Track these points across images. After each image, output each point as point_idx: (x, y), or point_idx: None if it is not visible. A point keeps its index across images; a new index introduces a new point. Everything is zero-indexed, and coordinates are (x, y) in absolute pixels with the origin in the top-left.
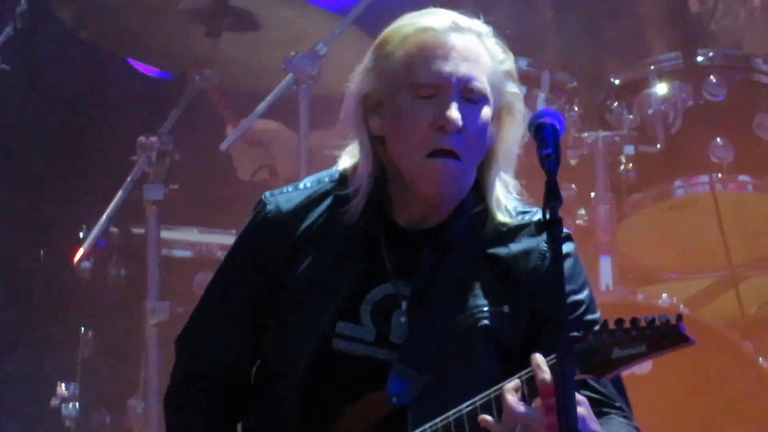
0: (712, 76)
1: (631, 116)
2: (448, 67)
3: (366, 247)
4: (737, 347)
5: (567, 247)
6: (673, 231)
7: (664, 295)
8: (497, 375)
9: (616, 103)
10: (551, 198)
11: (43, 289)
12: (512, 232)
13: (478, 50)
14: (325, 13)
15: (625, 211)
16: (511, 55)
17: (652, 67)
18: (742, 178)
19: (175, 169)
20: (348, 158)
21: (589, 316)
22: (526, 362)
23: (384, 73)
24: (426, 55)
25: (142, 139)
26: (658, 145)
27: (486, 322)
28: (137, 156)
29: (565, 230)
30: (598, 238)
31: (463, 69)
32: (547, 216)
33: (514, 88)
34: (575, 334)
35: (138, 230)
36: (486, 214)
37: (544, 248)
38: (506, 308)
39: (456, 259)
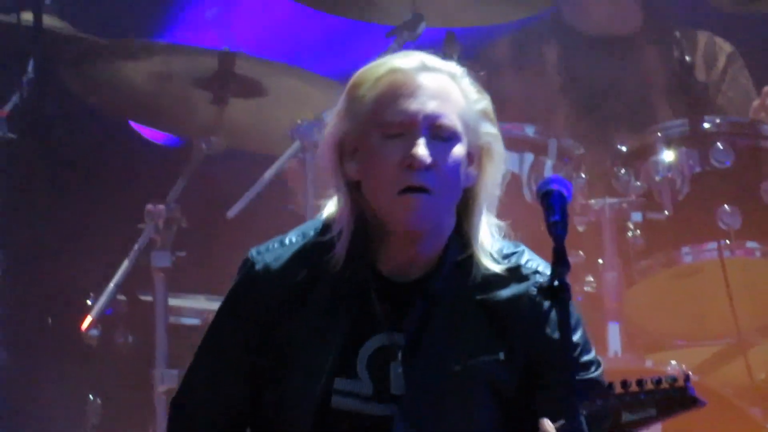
0: (718, 143)
1: (638, 183)
2: (414, 105)
3: (356, 298)
4: (746, 414)
5: None
6: (681, 297)
7: (673, 362)
8: (497, 423)
9: (623, 170)
10: (559, 264)
11: (50, 356)
12: (500, 278)
13: (448, 89)
14: (329, 81)
15: (633, 278)
16: (487, 96)
17: (658, 134)
18: (749, 244)
19: (182, 236)
20: (331, 206)
21: (585, 357)
22: (524, 409)
23: (356, 116)
24: (394, 94)
25: (149, 206)
26: (666, 212)
27: (482, 370)
28: (145, 223)
29: (548, 271)
30: (606, 304)
31: (431, 106)
32: (555, 283)
33: (491, 129)
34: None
35: (146, 297)
36: (472, 260)
37: (534, 292)
38: (501, 355)
39: (446, 308)
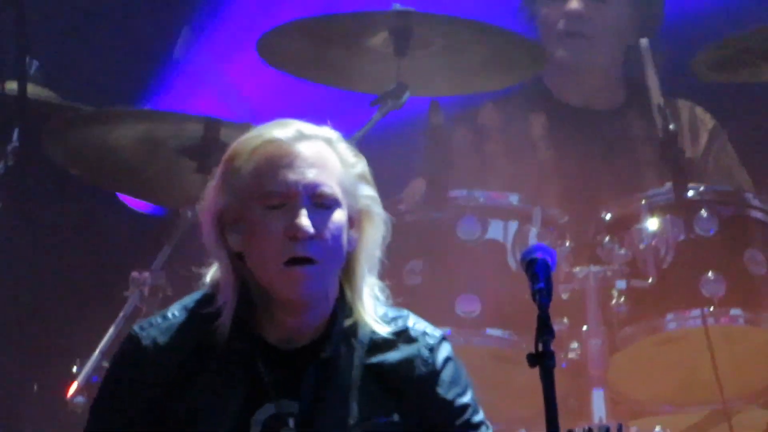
0: (703, 211)
1: (622, 251)
2: (294, 176)
3: (245, 367)
4: None
5: (446, 351)
6: (665, 364)
7: (657, 428)
8: None
9: (607, 238)
10: (543, 332)
11: (36, 422)
12: (389, 341)
13: (325, 156)
14: None
15: (618, 345)
16: (363, 159)
17: (642, 202)
18: (733, 311)
19: (167, 303)
20: (211, 276)
21: (476, 418)
22: None
23: (235, 189)
24: (272, 165)
25: (134, 274)
26: (650, 280)
27: None
28: (130, 291)
29: (438, 332)
30: (591, 371)
31: (310, 176)
32: (540, 349)
33: (368, 191)
34: None
35: None
36: (358, 324)
37: (426, 354)
38: (395, 417)
39: (338, 374)
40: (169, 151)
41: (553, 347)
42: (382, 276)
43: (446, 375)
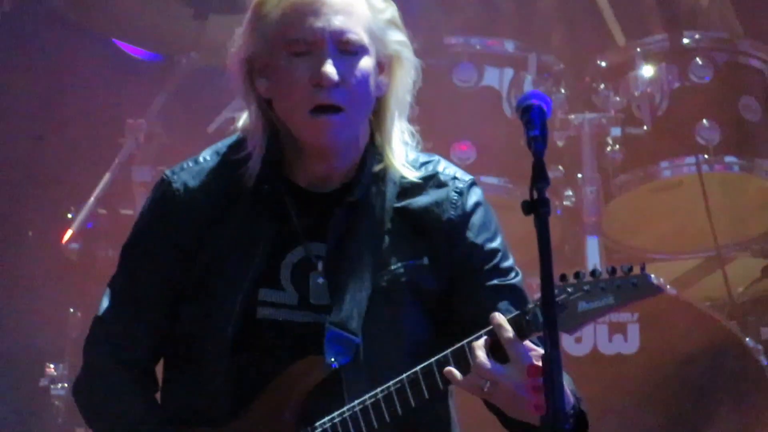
0: (698, 58)
1: (617, 98)
2: (319, 23)
3: (274, 210)
4: (724, 327)
5: (476, 195)
6: (659, 212)
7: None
8: (422, 329)
9: (602, 85)
10: (538, 179)
11: (31, 269)
12: (418, 185)
13: (352, 2)
14: None
15: (612, 192)
16: (393, 5)
17: (638, 49)
18: (728, 159)
19: (163, 151)
20: (243, 122)
21: (505, 264)
22: (449, 312)
23: (262, 34)
24: (298, 12)
25: (130, 121)
26: (645, 127)
27: (406, 276)
28: (125, 138)
29: (468, 176)
30: (585, 219)
31: (336, 22)
32: (535, 196)
33: (399, 36)
34: (495, 282)
35: (126, 212)
36: (388, 169)
37: (455, 197)
38: (425, 260)
39: (367, 217)
40: None
41: (548, 194)
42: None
43: (476, 219)
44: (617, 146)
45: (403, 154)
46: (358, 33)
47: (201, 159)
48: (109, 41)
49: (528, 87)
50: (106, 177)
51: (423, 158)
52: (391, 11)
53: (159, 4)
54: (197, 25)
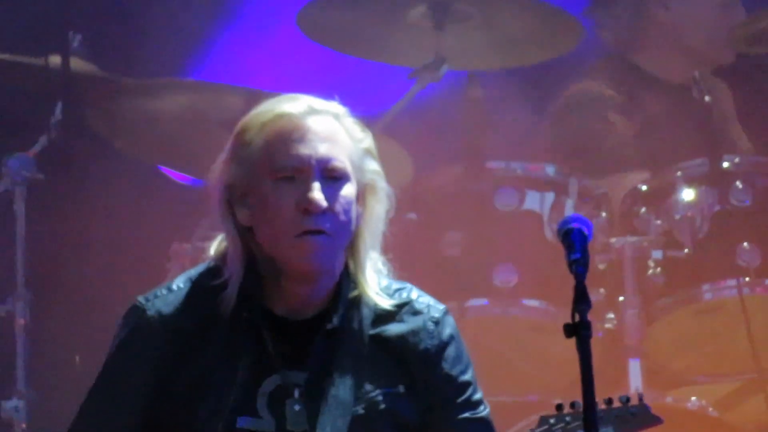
0: (738, 182)
1: (658, 221)
2: (306, 150)
3: (251, 338)
4: None
5: (450, 327)
6: (701, 334)
7: (693, 398)
8: None
9: (643, 209)
10: (580, 302)
11: (79, 395)
12: (392, 313)
13: (335, 130)
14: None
15: (654, 315)
16: (370, 134)
17: (678, 173)
18: None
19: None
20: (216, 249)
21: (476, 396)
22: None
23: (245, 162)
24: (284, 139)
25: (175, 245)
26: (686, 250)
27: (384, 404)
28: (170, 263)
29: (441, 306)
30: (627, 341)
31: (322, 150)
32: (576, 319)
33: (374, 166)
34: (466, 415)
35: None
36: (361, 297)
37: (431, 327)
38: (401, 388)
39: (344, 343)
40: (210, 123)
41: (589, 317)
42: (421, 244)
43: (451, 351)
44: (659, 269)
45: (376, 282)
46: (343, 160)
47: (174, 287)
48: (154, 167)
49: (569, 210)
50: None
51: (396, 285)
52: (368, 141)
53: (203, 131)
54: None
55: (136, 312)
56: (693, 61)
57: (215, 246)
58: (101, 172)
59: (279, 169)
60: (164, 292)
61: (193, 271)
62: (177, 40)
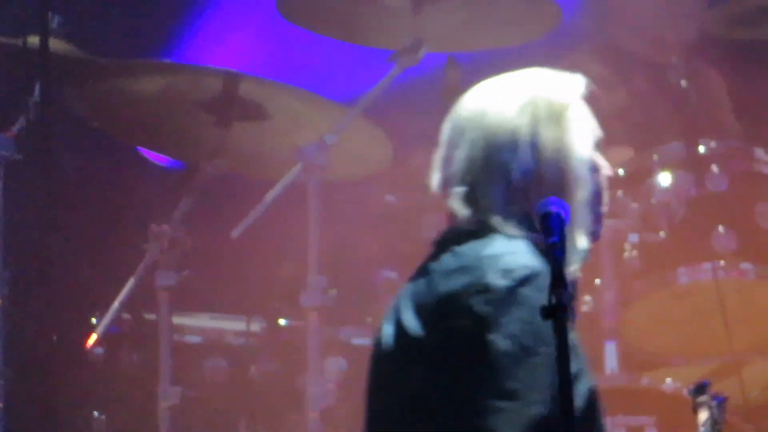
0: (714, 167)
1: (635, 205)
2: None
3: None
4: (740, 430)
5: None
6: (677, 317)
7: (668, 380)
8: None
9: (620, 192)
10: (557, 286)
11: (56, 373)
12: None
13: None
14: (332, 103)
15: (630, 298)
16: None
17: (655, 157)
18: (744, 265)
19: (186, 256)
20: None
21: None
22: None
23: None
24: None
25: (154, 226)
26: (662, 233)
27: None
28: (149, 243)
29: None
30: (603, 323)
31: None
32: (553, 302)
33: None
34: None
35: (150, 316)
36: None
37: None
38: None
39: None
40: (189, 105)
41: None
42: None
43: None
44: (635, 252)
45: None
46: None
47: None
48: (133, 148)
49: None
50: (131, 282)
51: None
52: None
53: (182, 113)
54: (220, 132)
55: (544, 275)
56: (652, 41)
57: None
58: (80, 152)
59: None
60: None
61: None
62: (156, 21)
